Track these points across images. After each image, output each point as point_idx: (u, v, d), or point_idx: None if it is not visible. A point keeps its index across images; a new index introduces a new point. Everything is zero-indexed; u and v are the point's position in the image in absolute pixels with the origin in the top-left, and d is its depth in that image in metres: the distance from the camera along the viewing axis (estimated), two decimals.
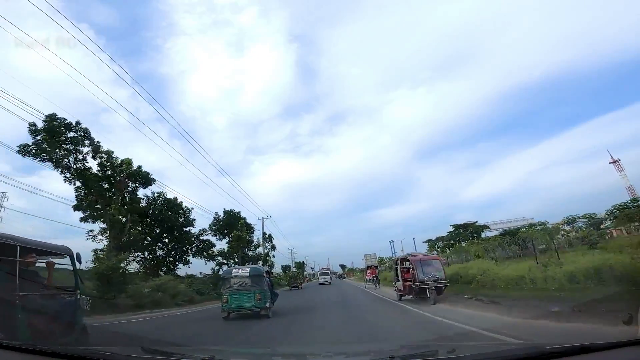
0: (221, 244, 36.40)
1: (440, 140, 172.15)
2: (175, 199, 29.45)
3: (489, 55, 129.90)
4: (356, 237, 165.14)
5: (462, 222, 54.15)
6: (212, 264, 35.11)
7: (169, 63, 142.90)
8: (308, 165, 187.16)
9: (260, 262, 39.20)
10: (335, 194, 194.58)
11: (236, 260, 35.31)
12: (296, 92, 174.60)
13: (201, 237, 33.16)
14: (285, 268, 66.47)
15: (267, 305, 10.80)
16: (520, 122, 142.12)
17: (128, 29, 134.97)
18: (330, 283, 44.38)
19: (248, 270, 11.38)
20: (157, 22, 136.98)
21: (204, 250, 33.08)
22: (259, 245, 41.64)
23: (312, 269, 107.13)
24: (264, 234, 43.88)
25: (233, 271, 11.65)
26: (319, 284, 45.38)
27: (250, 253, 40.00)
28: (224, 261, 35.84)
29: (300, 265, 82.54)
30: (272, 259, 45.79)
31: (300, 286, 38.50)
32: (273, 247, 47.20)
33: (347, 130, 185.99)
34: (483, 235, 51.20)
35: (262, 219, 43.75)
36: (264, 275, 11.75)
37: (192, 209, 30.66)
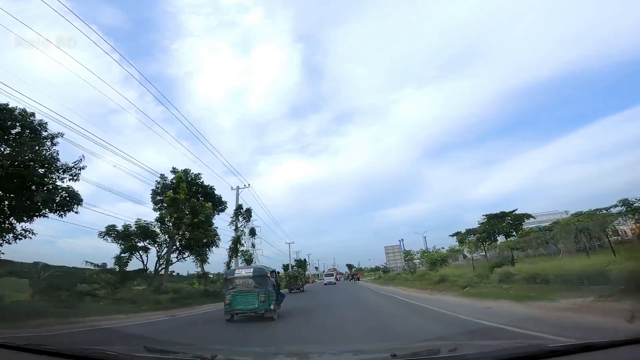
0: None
1: (448, 139, 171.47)
2: None
3: (496, 53, 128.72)
4: (362, 238, 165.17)
5: (498, 212, 45.74)
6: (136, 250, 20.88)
7: (176, 64, 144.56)
8: (315, 166, 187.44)
9: (215, 246, 25.40)
10: (342, 194, 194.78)
11: (167, 242, 21.74)
12: (302, 92, 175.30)
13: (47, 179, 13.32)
14: (287, 267, 58.86)
15: (272, 307, 10.60)
16: (530, 120, 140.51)
17: (135, 31, 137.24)
18: (335, 283, 49.66)
19: (251, 270, 11.23)
20: (164, 24, 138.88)
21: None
22: (209, 216, 23.38)
23: (316, 268, 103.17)
24: (239, 207, 29.97)
25: (236, 272, 11.52)
26: (325, 284, 49.83)
27: (204, 232, 22.96)
28: (146, 244, 21.19)
29: (302, 264, 70.80)
30: (251, 249, 31.07)
31: (301, 288, 33.44)
32: (252, 233, 31.70)
33: (353, 130, 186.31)
34: (527, 226, 43.44)
35: (237, 188, 30.50)
36: (268, 275, 11.56)
37: (46, 123, 13.45)
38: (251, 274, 10.91)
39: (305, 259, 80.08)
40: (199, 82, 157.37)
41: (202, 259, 25.86)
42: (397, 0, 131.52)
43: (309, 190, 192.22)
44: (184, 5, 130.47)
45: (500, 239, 43.14)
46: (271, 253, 60.64)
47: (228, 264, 28.38)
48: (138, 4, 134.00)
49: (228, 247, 28.85)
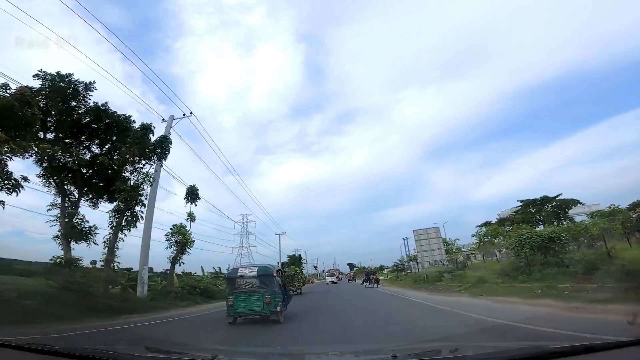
0: None
1: (451, 139, 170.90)
2: None
3: (500, 54, 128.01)
4: (363, 238, 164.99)
5: (538, 197, 37.90)
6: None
7: (179, 63, 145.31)
8: (316, 165, 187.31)
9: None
10: (343, 194, 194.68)
11: None
12: (305, 91, 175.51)
13: None
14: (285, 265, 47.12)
15: (278, 309, 9.99)
16: (533, 121, 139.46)
17: (139, 30, 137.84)
18: (336, 282, 50.15)
19: (256, 269, 10.57)
20: (167, 23, 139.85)
21: None
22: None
23: (315, 267, 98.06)
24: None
25: (239, 271, 10.69)
26: (327, 283, 50.67)
27: None
28: None
29: (297, 260, 58.74)
30: (188, 223, 20.72)
31: (299, 290, 26.57)
32: (192, 195, 21.23)
33: (356, 130, 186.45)
34: (581, 217, 33.93)
35: (171, 118, 19.98)
36: (274, 275, 10.90)
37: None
38: (255, 273, 10.34)
39: (300, 255, 66.99)
40: (201, 81, 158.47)
41: (65, 233, 14.87)
42: (400, 1, 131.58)
43: (311, 190, 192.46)
44: (186, 5, 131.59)
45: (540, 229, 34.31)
46: (270, 252, 59.88)
47: (110, 246, 15.60)
48: (141, 3, 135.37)
49: (111, 209, 16.04)
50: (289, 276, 24.45)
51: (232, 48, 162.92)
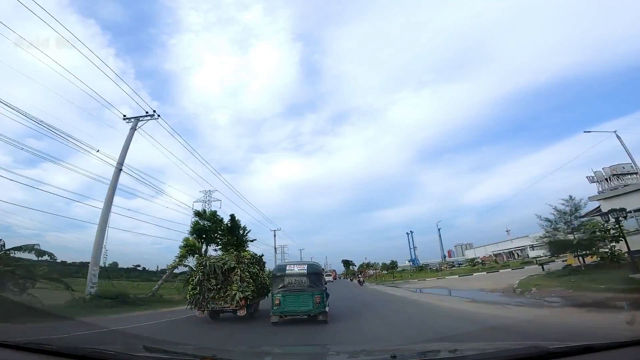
0: None
1: (444, 142, 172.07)
2: None
3: (495, 58, 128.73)
4: (355, 238, 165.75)
5: None
6: None
7: (174, 59, 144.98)
8: (310, 165, 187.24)
9: None
10: (336, 194, 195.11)
11: None
12: (300, 91, 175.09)
13: None
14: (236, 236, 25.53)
15: (326, 309, 9.46)
16: (527, 125, 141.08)
17: (134, 25, 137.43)
18: (332, 281, 52.08)
19: (305, 267, 9.94)
20: (163, 19, 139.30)
21: None
22: None
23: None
24: None
25: (287, 268, 10.04)
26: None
27: None
28: None
29: (229, 228, 25.15)
30: None
31: (254, 308, 11.67)
32: None
33: (350, 131, 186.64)
34: None
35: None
36: (322, 273, 10.41)
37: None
38: (305, 271, 9.75)
39: (244, 225, 28.22)
40: (196, 78, 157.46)
41: None
42: (397, 3, 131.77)
43: (303, 189, 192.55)
44: (183, 1, 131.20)
45: None
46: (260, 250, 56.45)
47: None
48: None
49: None
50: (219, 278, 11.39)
51: (228, 45, 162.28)
